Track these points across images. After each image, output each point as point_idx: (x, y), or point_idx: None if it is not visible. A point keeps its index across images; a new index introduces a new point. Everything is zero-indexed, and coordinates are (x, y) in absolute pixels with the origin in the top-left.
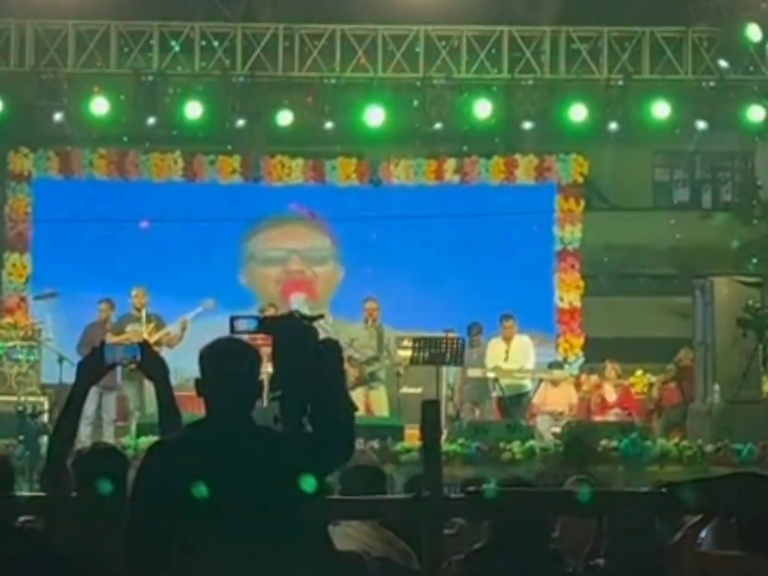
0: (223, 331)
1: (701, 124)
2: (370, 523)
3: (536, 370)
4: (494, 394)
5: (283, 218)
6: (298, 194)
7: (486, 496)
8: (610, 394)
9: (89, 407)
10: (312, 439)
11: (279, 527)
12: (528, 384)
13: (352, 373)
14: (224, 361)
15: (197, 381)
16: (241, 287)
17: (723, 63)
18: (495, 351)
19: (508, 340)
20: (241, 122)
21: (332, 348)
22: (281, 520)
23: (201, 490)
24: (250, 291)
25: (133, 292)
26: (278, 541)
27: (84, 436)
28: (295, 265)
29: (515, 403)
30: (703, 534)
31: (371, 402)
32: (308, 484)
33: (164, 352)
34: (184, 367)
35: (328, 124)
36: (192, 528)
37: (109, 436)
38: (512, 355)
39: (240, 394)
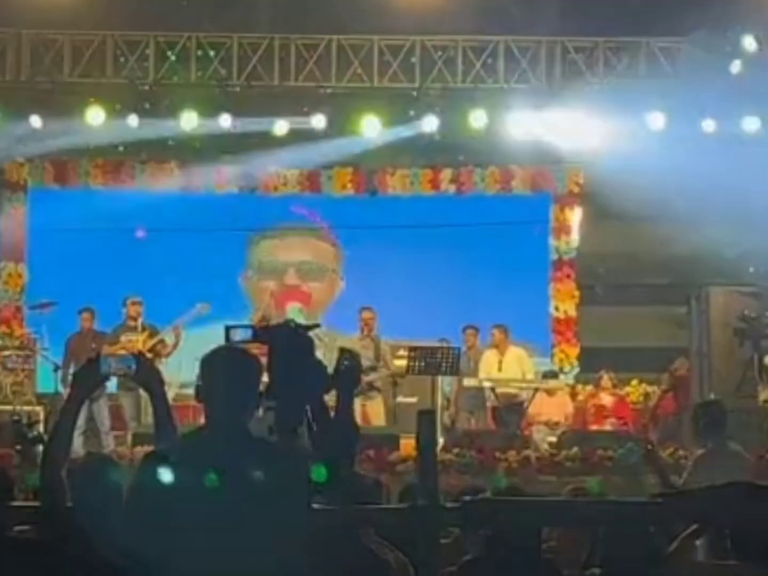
0: (218, 341)
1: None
2: (365, 532)
3: (531, 379)
4: (489, 404)
5: (285, 229)
6: (295, 204)
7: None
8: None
9: (80, 417)
10: (311, 452)
11: (273, 538)
12: (523, 394)
13: None
14: (224, 369)
15: (197, 387)
16: (238, 296)
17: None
18: (489, 361)
19: (501, 350)
20: (236, 132)
21: (353, 366)
22: (275, 532)
23: (196, 499)
24: (248, 299)
25: (128, 302)
26: (273, 552)
27: (76, 446)
28: (290, 279)
29: (510, 412)
30: (698, 544)
31: (368, 412)
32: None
33: (159, 363)
34: (177, 377)
35: (324, 134)
36: (187, 538)
37: (107, 446)
38: (506, 366)
39: (238, 403)
